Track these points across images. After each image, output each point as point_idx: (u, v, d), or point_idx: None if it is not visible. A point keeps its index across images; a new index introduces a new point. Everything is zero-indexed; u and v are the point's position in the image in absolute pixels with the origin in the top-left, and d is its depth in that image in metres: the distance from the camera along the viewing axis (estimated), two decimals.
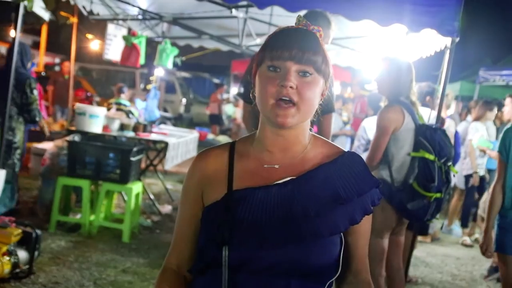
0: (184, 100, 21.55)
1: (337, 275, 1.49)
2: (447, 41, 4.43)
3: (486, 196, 7.10)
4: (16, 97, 5.13)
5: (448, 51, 4.37)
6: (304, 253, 1.39)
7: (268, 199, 1.43)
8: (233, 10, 5.59)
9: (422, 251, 6.56)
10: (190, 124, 19.52)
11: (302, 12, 4.34)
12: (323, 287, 1.47)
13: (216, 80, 23.87)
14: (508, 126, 3.77)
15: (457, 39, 4.21)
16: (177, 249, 1.58)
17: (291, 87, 1.39)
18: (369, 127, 5.61)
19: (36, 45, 22.14)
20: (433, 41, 5.09)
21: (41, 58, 19.74)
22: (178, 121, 18.56)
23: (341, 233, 1.47)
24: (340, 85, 12.83)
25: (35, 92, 5.23)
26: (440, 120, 5.13)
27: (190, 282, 1.57)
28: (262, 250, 1.38)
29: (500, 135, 3.73)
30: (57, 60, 23.48)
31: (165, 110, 18.63)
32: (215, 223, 1.43)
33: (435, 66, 4.63)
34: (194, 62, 14.50)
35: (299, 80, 1.41)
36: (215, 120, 14.86)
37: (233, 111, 15.79)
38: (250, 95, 1.52)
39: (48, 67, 20.40)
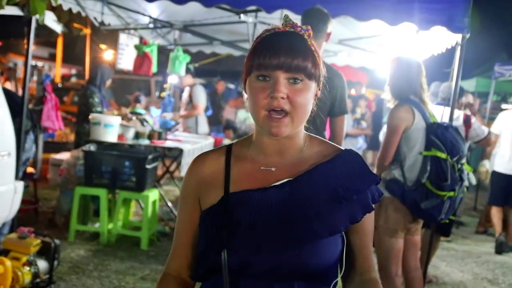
0: None
1: (341, 275, 1.46)
2: (458, 37, 4.40)
3: None
4: (81, 105, 6.58)
5: (459, 48, 4.35)
6: (305, 255, 1.36)
7: (266, 201, 1.40)
8: (242, 15, 5.59)
9: (442, 249, 6.51)
10: None
11: None
12: None
13: (231, 86, 23.82)
14: None
15: (468, 35, 4.20)
16: (176, 255, 1.57)
17: (282, 97, 1.36)
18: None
19: (52, 57, 22.46)
20: (444, 38, 5.06)
21: (58, 70, 20.02)
22: None
23: (343, 232, 1.44)
24: (354, 86, 12.75)
25: (91, 100, 6.47)
26: (467, 118, 5.08)
27: None
28: (261, 253, 1.36)
29: None
30: (73, 71, 23.73)
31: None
32: (213, 226, 1.41)
33: (448, 63, 4.61)
34: (207, 68, 14.47)
35: (290, 88, 1.37)
36: (230, 125, 14.78)
37: (246, 115, 15.72)
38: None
39: (64, 78, 20.66)
